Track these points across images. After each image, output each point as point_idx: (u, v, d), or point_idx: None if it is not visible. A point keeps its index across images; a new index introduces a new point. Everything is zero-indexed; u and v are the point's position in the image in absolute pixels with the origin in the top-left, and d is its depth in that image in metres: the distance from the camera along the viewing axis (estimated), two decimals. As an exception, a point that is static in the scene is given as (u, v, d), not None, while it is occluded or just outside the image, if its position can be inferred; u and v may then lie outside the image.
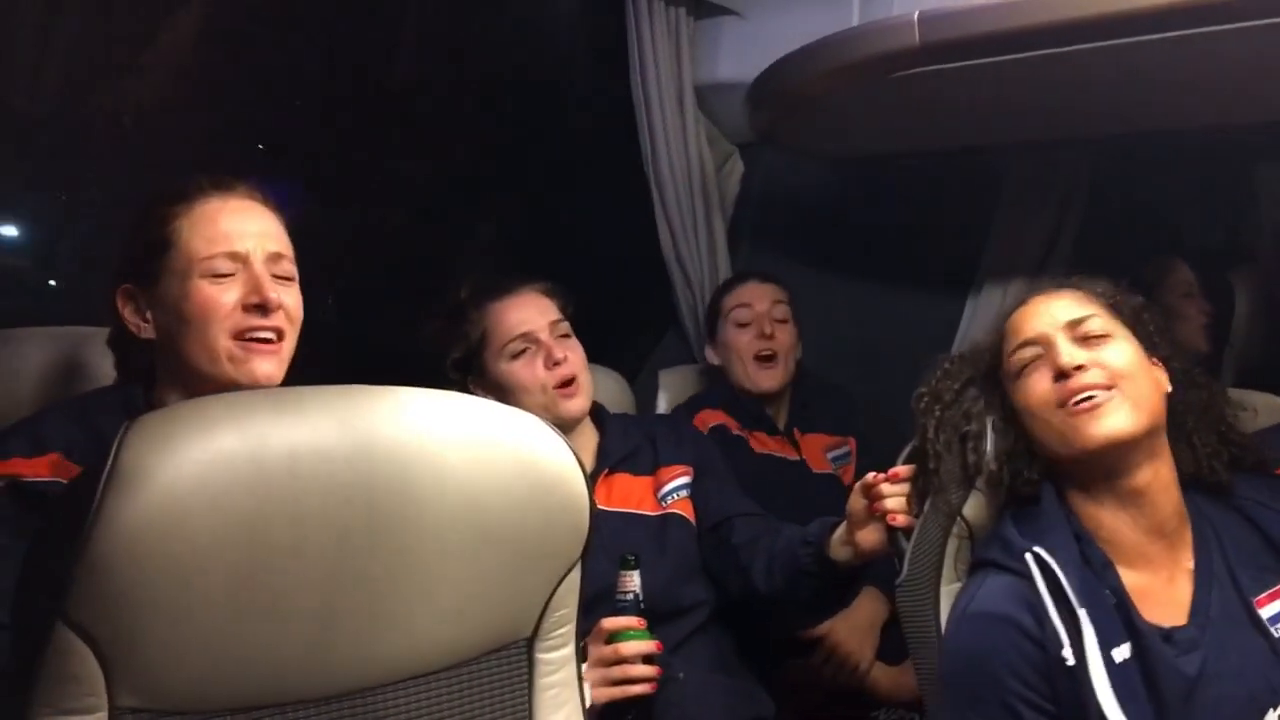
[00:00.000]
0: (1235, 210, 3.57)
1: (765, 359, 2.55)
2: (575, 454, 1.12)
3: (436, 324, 2.14)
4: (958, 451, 1.58)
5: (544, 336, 2.02)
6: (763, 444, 2.52)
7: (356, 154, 2.64)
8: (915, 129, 2.12)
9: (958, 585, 1.58)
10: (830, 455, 2.55)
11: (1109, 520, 1.48)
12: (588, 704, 1.72)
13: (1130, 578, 1.46)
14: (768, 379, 2.55)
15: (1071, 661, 1.35)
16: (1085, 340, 1.51)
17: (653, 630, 1.85)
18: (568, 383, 2.01)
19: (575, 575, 1.14)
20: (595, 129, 2.89)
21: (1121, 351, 1.50)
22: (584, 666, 1.78)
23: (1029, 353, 1.52)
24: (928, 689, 1.62)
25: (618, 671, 1.80)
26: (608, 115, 2.77)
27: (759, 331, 2.55)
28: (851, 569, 1.83)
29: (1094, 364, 1.47)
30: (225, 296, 1.50)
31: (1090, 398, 1.46)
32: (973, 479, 1.58)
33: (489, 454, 1.06)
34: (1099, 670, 1.34)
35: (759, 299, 2.58)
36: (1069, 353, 1.49)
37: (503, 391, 2.02)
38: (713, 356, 2.64)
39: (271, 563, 0.96)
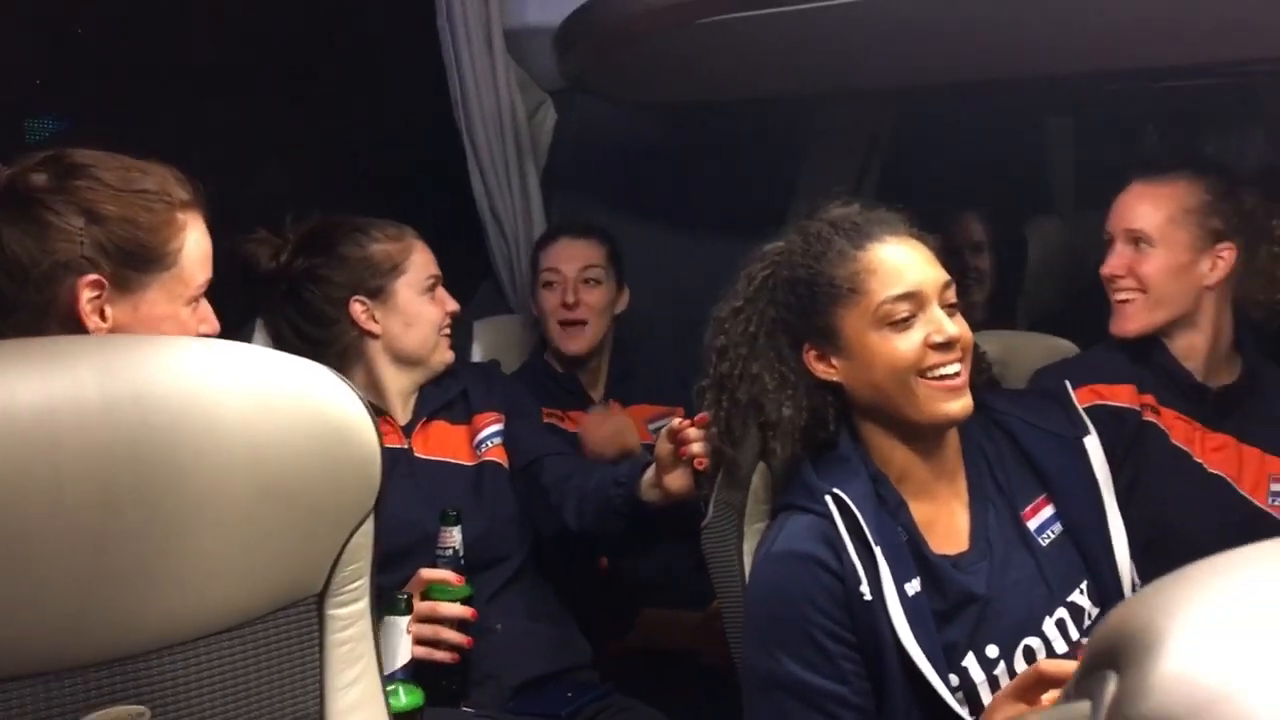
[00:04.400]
0: (1032, 163, 3.76)
1: (571, 323, 2.51)
2: (366, 403, 1.09)
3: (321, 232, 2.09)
4: (754, 437, 1.59)
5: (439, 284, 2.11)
6: (576, 423, 2.47)
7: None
8: (725, 77, 2.13)
9: (760, 525, 1.62)
10: (652, 427, 2.48)
11: (903, 459, 1.53)
12: (402, 659, 1.72)
13: (919, 512, 1.52)
14: (574, 343, 2.51)
15: (869, 597, 1.41)
16: (949, 309, 1.51)
17: (471, 583, 1.85)
18: (451, 327, 2.10)
19: (368, 528, 1.11)
20: (403, 75, 2.79)
21: (965, 324, 1.52)
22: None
23: (905, 308, 1.48)
24: (733, 628, 1.65)
25: (429, 631, 1.79)
26: (415, 60, 2.68)
27: (562, 298, 2.50)
28: (661, 510, 1.85)
29: (960, 339, 1.49)
30: None
31: (955, 374, 1.48)
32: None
33: (269, 404, 1.02)
34: (894, 603, 1.40)
35: (567, 261, 2.52)
36: (948, 322, 1.48)
37: (404, 318, 2.05)
38: (534, 309, 2.59)
39: (27, 522, 0.89)
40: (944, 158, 3.20)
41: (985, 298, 3.23)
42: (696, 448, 1.71)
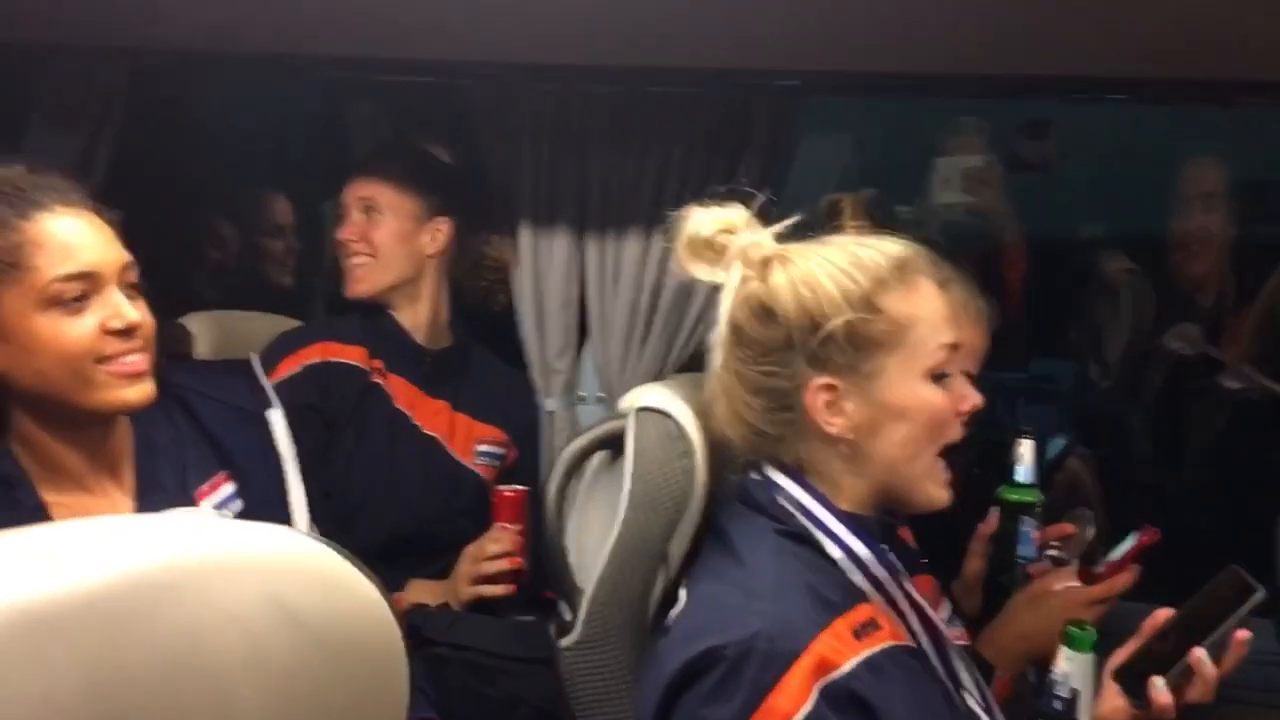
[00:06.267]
0: (337, 146, 3.71)
1: None
2: None
3: None
4: None
5: None
6: None
7: None
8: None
9: None
10: None
11: (60, 454, 1.41)
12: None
13: (73, 508, 1.40)
14: None
15: None
16: (131, 290, 1.39)
17: None
18: None
19: None
20: None
21: (146, 309, 1.41)
22: None
23: (77, 288, 1.34)
24: None
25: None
26: None
27: None
28: None
29: (141, 325, 1.38)
30: None
31: (133, 361, 1.37)
32: None
33: None
34: None
35: None
36: (128, 307, 1.37)
37: None
38: None
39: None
40: (221, 137, 3.06)
41: (290, 281, 3.17)
42: None
